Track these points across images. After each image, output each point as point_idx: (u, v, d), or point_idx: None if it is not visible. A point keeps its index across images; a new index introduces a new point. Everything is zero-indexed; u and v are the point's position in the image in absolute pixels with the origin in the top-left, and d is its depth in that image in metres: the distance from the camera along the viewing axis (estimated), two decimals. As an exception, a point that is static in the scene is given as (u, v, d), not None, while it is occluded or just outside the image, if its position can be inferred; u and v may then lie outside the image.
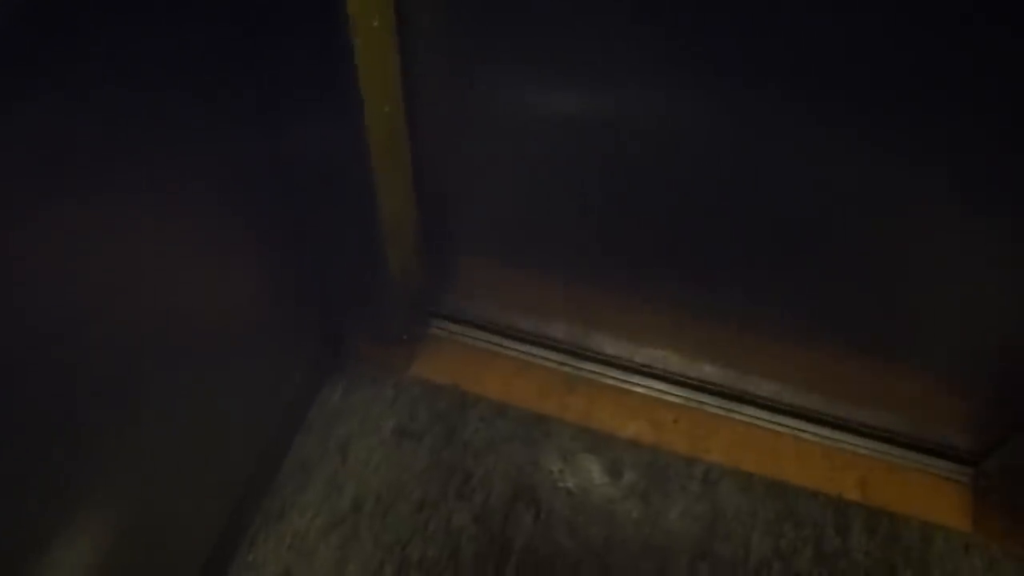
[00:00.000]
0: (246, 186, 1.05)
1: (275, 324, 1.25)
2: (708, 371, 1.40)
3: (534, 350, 1.46)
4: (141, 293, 0.89)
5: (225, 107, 0.95)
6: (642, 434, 1.38)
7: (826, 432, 1.38)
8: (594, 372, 1.44)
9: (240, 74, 0.95)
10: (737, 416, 1.40)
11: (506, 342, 1.47)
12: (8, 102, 0.64)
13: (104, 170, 0.77)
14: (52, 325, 0.76)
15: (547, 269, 1.35)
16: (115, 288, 0.84)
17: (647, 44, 0.97)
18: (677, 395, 1.42)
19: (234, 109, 0.97)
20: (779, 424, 1.39)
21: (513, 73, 1.05)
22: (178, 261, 0.94)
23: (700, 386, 1.42)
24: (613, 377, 1.44)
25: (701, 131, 1.04)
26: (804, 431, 1.38)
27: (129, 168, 0.81)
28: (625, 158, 1.10)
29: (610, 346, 1.43)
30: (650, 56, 0.98)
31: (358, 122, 1.00)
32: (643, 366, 1.43)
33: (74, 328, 0.79)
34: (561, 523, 1.29)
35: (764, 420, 1.39)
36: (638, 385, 1.43)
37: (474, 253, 1.37)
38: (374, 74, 0.97)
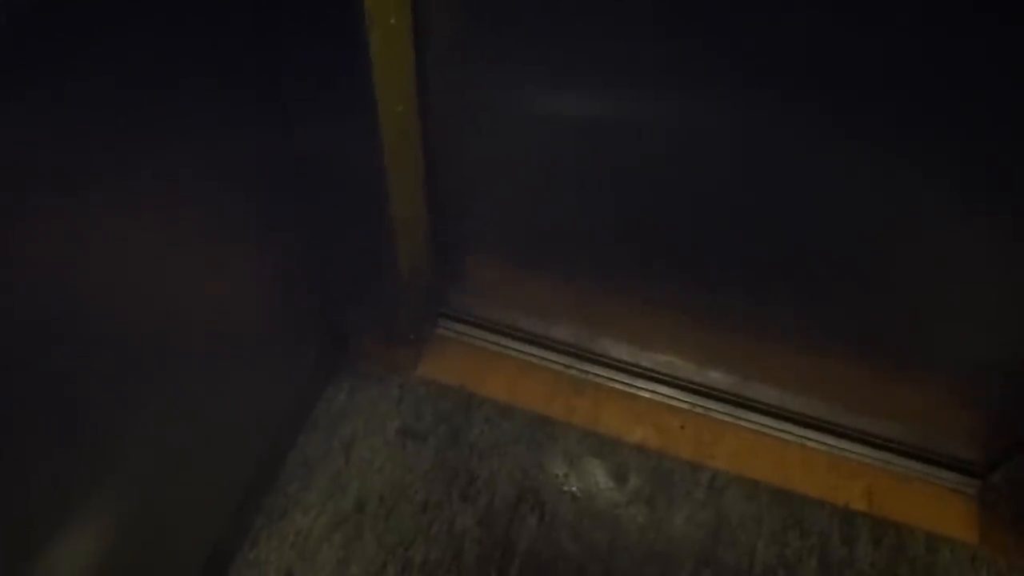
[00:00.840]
0: (255, 183, 1.05)
1: (281, 322, 1.25)
2: (715, 377, 1.40)
3: (541, 352, 1.45)
4: (146, 291, 0.88)
5: (237, 101, 0.95)
6: (648, 439, 1.38)
7: (833, 441, 1.37)
8: (601, 376, 1.44)
9: (253, 67, 0.95)
10: (744, 423, 1.39)
11: (513, 343, 1.46)
12: (15, 93, 0.63)
13: (110, 165, 0.76)
14: (51, 323, 0.75)
15: (556, 271, 1.34)
16: (121, 285, 0.83)
17: (657, 48, 0.96)
18: (684, 401, 1.42)
19: (246, 103, 0.97)
20: (786, 432, 1.38)
21: (525, 75, 1.05)
22: (186, 259, 0.93)
23: (707, 392, 1.41)
24: (620, 381, 1.43)
25: (709, 136, 1.03)
26: (811, 439, 1.38)
27: (134, 163, 0.80)
28: (635, 161, 1.10)
29: (617, 350, 1.42)
30: (660, 60, 0.97)
31: (371, 120, 1.00)
32: (650, 370, 1.42)
33: (75, 326, 0.78)
34: (565, 527, 1.29)
35: (771, 428, 1.39)
36: (644, 390, 1.43)
37: (483, 253, 1.36)
38: (389, 72, 0.97)
